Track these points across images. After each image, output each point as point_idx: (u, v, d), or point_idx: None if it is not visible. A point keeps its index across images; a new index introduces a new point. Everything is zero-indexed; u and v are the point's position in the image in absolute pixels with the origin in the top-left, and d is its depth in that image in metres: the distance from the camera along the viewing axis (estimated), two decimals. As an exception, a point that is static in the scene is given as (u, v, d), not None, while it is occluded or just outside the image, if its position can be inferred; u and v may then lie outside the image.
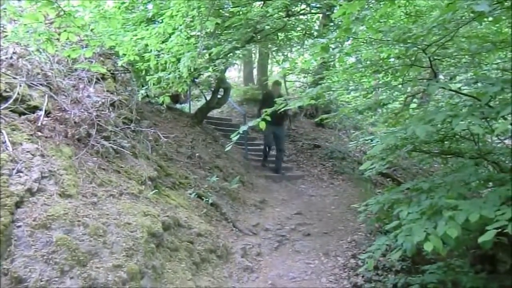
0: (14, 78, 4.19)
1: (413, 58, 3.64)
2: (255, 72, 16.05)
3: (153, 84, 5.31)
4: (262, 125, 3.25)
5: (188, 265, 3.99)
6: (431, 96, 9.09)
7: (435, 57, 3.88)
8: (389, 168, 9.01)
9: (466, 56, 4.35)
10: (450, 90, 3.40)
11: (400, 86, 3.95)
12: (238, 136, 3.18)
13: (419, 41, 3.14)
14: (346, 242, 5.44)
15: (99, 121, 4.64)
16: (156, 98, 6.13)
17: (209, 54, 5.48)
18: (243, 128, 3.17)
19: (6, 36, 4.20)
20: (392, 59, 4.21)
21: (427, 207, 2.66)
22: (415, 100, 11.04)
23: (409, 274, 4.34)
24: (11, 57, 4.37)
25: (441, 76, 6.12)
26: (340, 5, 3.99)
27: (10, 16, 4.57)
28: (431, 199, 2.79)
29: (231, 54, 6.25)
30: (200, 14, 4.96)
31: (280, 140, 8.82)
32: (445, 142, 4.65)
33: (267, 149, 9.07)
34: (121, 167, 4.58)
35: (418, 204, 2.82)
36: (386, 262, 4.56)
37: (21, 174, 3.33)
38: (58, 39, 4.06)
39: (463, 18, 2.93)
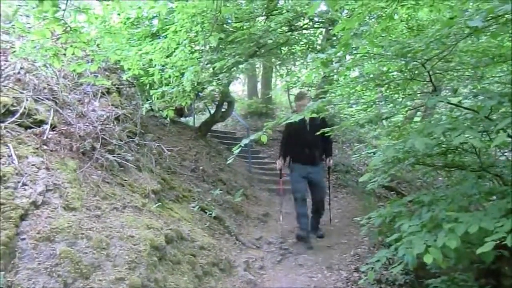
0: (21, 92, 4.27)
1: (416, 72, 3.68)
2: (259, 85, 16.18)
3: (157, 98, 5.38)
4: (264, 139, 3.25)
5: (191, 278, 3.99)
6: (434, 110, 9.13)
7: (436, 71, 3.92)
8: (392, 181, 8.99)
9: (469, 70, 4.38)
10: (449, 103, 3.43)
11: (400, 99, 3.98)
12: (240, 149, 3.20)
13: (419, 56, 3.18)
14: (349, 255, 5.41)
15: (103, 134, 4.70)
16: (161, 112, 6.20)
17: (213, 68, 5.56)
18: (245, 141, 3.19)
19: (14, 52, 4.28)
20: (394, 73, 4.25)
21: (427, 220, 2.67)
22: (419, 113, 11.08)
23: (413, 288, 4.31)
24: (18, 72, 4.46)
25: (444, 90, 6.16)
26: (341, 19, 4.05)
27: (19, 33, 4.68)
28: (432, 212, 2.80)
29: (235, 68, 6.33)
30: (204, 29, 5.05)
31: (317, 187, 5.83)
32: (448, 155, 4.66)
33: (298, 203, 5.72)
34: (125, 180, 4.62)
35: (419, 217, 2.83)
36: (389, 276, 4.53)
37: (26, 187, 3.38)
38: (64, 54, 4.15)
39: (461, 32, 2.97)
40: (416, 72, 3.67)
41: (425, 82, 4.03)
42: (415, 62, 3.17)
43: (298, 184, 5.72)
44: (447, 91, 5.94)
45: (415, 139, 2.46)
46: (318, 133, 4.63)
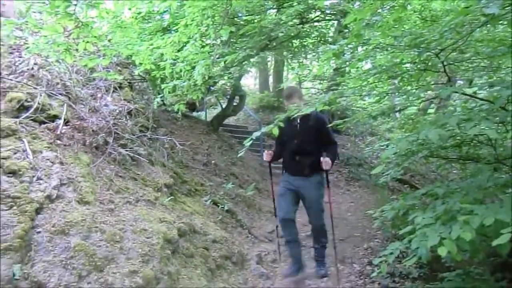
0: (35, 88, 4.31)
1: (429, 63, 3.62)
2: (270, 79, 16.13)
3: (169, 92, 5.39)
4: (275, 132, 3.14)
5: (204, 272, 4.01)
6: (448, 101, 8.99)
7: (450, 62, 3.85)
8: (406, 174, 8.92)
9: (485, 60, 4.30)
10: (464, 94, 3.37)
11: (414, 91, 3.92)
12: (251, 142, 3.19)
13: (432, 46, 3.12)
14: (362, 249, 5.39)
15: (116, 129, 4.73)
16: (172, 106, 6.22)
17: (224, 62, 5.55)
18: (256, 134, 3.17)
19: (28, 48, 4.33)
20: (408, 65, 4.19)
21: (442, 212, 2.63)
22: (432, 105, 10.93)
23: (427, 281, 4.28)
24: (32, 68, 4.51)
25: (459, 81, 6.06)
26: (352, 11, 4.00)
27: (32, 29, 4.72)
28: (446, 204, 2.76)
29: (246, 61, 6.31)
30: (215, 23, 5.04)
31: (311, 208, 4.31)
32: (463, 147, 4.60)
33: (283, 226, 4.29)
34: (138, 174, 4.66)
35: (433, 209, 2.79)
36: (403, 269, 4.50)
37: (41, 181, 3.42)
38: (76, 50, 4.18)
39: (477, 22, 2.91)
40: (430, 63, 3.61)
41: (439, 73, 3.97)
42: (428, 53, 3.11)
43: (283, 199, 4.28)
44: (462, 82, 5.84)
45: (429, 130, 2.42)
46: (312, 136, 4.19)
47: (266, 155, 4.47)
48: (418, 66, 3.74)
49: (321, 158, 4.07)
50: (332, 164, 4.13)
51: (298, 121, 4.15)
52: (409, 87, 4.47)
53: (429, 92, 5.28)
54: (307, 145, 4.20)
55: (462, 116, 2.56)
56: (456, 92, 3.21)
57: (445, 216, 2.58)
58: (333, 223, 4.48)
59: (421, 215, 2.79)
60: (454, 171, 8.30)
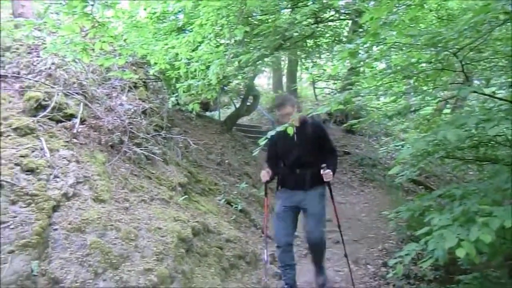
0: (52, 87, 4.37)
1: (444, 63, 3.57)
2: (284, 79, 16.08)
3: (183, 91, 5.41)
4: (290, 131, 3.02)
5: (217, 271, 4.02)
6: (464, 101, 8.86)
7: (468, 61, 3.79)
8: (421, 175, 8.82)
9: (503, 60, 4.22)
10: (483, 94, 3.31)
11: (431, 91, 3.87)
12: (265, 141, 3.18)
13: (450, 45, 3.08)
14: (376, 250, 5.34)
15: (131, 128, 4.77)
16: (187, 105, 6.25)
17: (238, 62, 5.55)
18: (271, 133, 3.16)
19: (45, 47, 4.39)
20: (423, 64, 4.14)
21: (459, 214, 2.58)
22: (448, 105, 10.78)
23: (443, 284, 4.21)
24: (49, 68, 4.57)
25: (476, 81, 5.96)
26: (368, 10, 3.96)
27: (50, 29, 4.79)
28: (464, 205, 2.71)
29: (260, 61, 6.30)
30: (229, 23, 5.05)
31: (311, 220, 3.79)
32: (480, 148, 4.52)
33: (281, 251, 3.90)
34: (152, 173, 4.69)
35: (450, 211, 2.74)
36: (418, 271, 4.45)
37: (57, 179, 3.47)
38: (92, 49, 4.23)
39: (497, 20, 2.85)
40: (446, 62, 3.56)
41: (456, 72, 3.91)
42: (446, 52, 3.06)
43: (282, 221, 3.86)
44: (479, 81, 5.75)
45: (447, 130, 2.38)
46: (312, 145, 3.78)
47: (265, 175, 3.81)
48: (436, 65, 3.69)
49: (321, 171, 3.61)
50: (333, 174, 3.73)
51: (295, 130, 3.35)
52: (425, 87, 4.42)
53: (444, 92, 5.20)
54: (307, 156, 3.77)
55: (482, 117, 2.51)
56: (475, 92, 3.16)
57: (463, 218, 2.53)
58: (342, 237, 4.12)
59: (438, 216, 2.75)
60: (471, 173, 8.17)
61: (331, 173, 3.67)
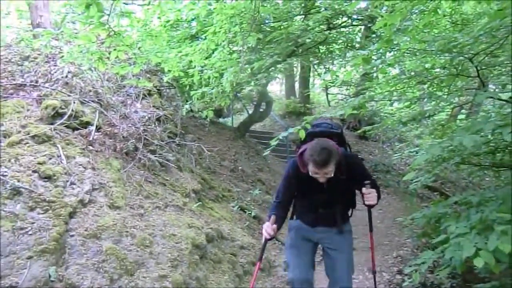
0: (69, 95, 4.45)
1: (459, 68, 3.54)
2: (297, 85, 16.08)
3: (197, 99, 5.45)
4: (302, 134, 2.80)
5: (231, 277, 4.02)
6: (480, 107, 8.75)
7: (483, 67, 3.75)
8: (436, 182, 8.71)
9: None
10: (500, 99, 3.27)
11: (445, 96, 3.84)
12: (277, 141, 3.17)
13: (465, 50, 3.06)
14: (391, 257, 5.28)
15: (145, 135, 4.82)
16: (200, 112, 6.29)
17: (251, 69, 5.57)
18: (283, 134, 3.13)
19: (62, 56, 4.48)
20: (437, 70, 4.11)
21: (477, 222, 2.55)
22: (463, 111, 10.66)
23: (460, 292, 4.15)
24: (66, 76, 4.65)
25: (491, 86, 5.89)
26: (381, 16, 3.96)
27: (66, 38, 4.88)
28: (481, 213, 2.67)
29: (273, 68, 6.31)
30: (242, 30, 5.07)
31: (342, 271, 2.87)
32: (497, 154, 4.45)
33: None
34: (167, 180, 4.72)
35: (467, 218, 2.71)
36: (435, 279, 4.38)
37: (74, 186, 3.52)
38: (108, 58, 4.29)
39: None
40: (461, 68, 3.53)
41: (471, 78, 3.88)
42: (461, 57, 3.04)
43: (297, 252, 2.98)
44: (495, 86, 5.67)
45: (463, 136, 2.36)
46: (344, 187, 2.85)
47: (267, 230, 2.80)
48: (450, 71, 3.67)
49: (363, 189, 2.71)
50: (378, 198, 2.78)
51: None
52: (439, 93, 4.38)
53: (459, 97, 5.15)
54: (336, 198, 2.91)
55: (498, 122, 2.48)
56: (491, 98, 3.12)
57: (481, 226, 2.50)
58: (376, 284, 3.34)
59: (455, 224, 2.72)
60: (487, 179, 8.04)
61: (376, 195, 2.73)
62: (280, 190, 2.97)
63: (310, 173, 2.58)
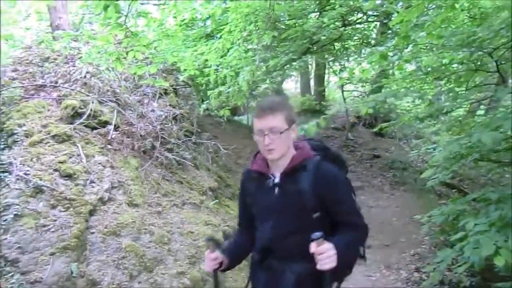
0: (87, 95, 4.53)
1: (478, 63, 3.49)
2: (312, 82, 16.01)
3: (214, 97, 5.48)
4: (311, 132, 2.89)
5: (248, 274, 4.04)
6: (499, 103, 8.60)
7: (503, 61, 3.69)
8: (454, 178, 8.58)
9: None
10: (520, 95, 3.22)
11: (464, 92, 3.79)
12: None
13: (485, 45, 3.01)
14: (408, 255, 5.24)
15: (162, 134, 4.87)
16: (216, 111, 6.32)
17: (266, 67, 5.59)
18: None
19: (81, 57, 4.56)
20: (455, 65, 4.06)
21: (496, 219, 2.52)
22: (481, 106, 10.47)
23: (479, 290, 4.10)
24: (85, 76, 4.73)
25: (510, 81, 5.78)
26: (398, 12, 3.92)
27: (85, 39, 4.97)
28: (500, 210, 2.64)
29: (288, 65, 6.32)
30: (257, 28, 5.08)
31: None
32: (517, 150, 4.38)
33: None
34: (184, 178, 4.77)
35: (486, 215, 2.68)
36: (453, 277, 4.33)
37: (93, 184, 3.59)
38: (125, 58, 4.36)
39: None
40: (479, 63, 3.48)
41: (490, 73, 3.82)
42: (480, 52, 3.00)
43: None
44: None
45: (481, 133, 2.33)
46: (303, 211, 1.82)
47: (206, 263, 1.99)
48: (468, 66, 3.62)
49: (311, 245, 1.62)
50: (343, 259, 1.68)
51: (278, 177, 1.88)
52: (457, 88, 4.33)
53: (477, 93, 5.07)
54: (293, 231, 1.84)
55: (518, 118, 2.45)
56: None
57: (500, 223, 2.47)
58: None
59: (473, 221, 2.69)
60: (507, 176, 7.90)
61: (334, 253, 1.64)
62: (239, 214, 2.24)
63: (254, 136, 1.80)
